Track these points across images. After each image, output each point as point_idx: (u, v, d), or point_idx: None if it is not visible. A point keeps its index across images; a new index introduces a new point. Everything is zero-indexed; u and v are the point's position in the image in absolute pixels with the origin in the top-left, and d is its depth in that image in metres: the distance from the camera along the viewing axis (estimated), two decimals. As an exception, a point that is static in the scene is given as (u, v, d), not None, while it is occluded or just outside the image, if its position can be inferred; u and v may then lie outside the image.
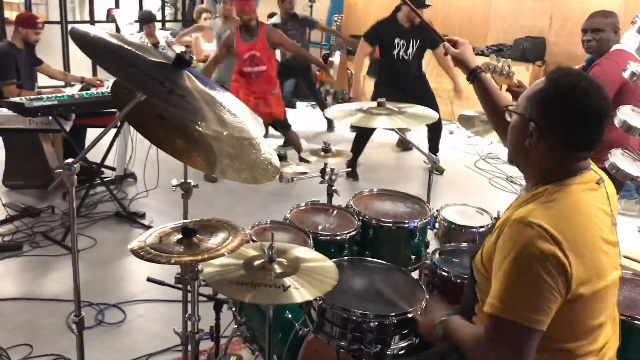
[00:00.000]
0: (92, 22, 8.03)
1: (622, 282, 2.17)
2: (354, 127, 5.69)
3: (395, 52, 5.15)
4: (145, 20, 6.76)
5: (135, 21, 8.59)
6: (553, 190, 1.48)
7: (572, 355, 1.48)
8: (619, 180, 2.63)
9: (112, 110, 4.32)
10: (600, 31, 3.12)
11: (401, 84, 5.19)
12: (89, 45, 1.62)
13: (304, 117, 7.35)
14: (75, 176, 1.74)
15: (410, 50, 5.19)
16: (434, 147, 5.59)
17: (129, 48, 1.72)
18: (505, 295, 1.40)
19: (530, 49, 7.31)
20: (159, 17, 7.52)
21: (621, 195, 4.48)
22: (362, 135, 5.34)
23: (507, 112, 1.59)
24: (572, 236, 1.39)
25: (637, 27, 2.56)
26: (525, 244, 1.38)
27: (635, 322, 1.91)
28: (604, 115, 1.46)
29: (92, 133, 4.78)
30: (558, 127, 1.46)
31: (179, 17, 9.94)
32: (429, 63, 7.84)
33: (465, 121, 3.04)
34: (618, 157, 2.58)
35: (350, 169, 5.27)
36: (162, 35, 6.85)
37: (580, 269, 1.40)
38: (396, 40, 5.12)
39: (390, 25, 5.18)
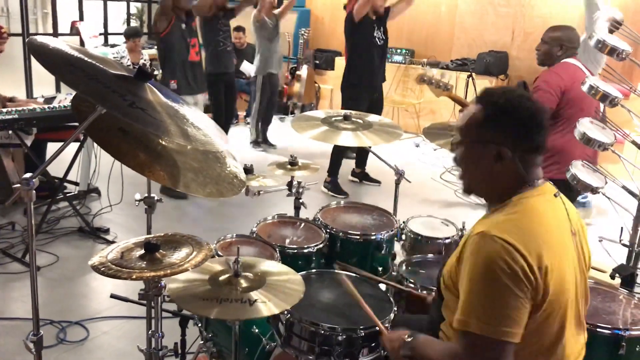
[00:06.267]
0: (56, 34, 7.89)
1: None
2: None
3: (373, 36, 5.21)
4: (130, 34, 6.63)
5: (101, 34, 8.48)
6: (514, 203, 1.51)
7: None
8: (576, 190, 2.70)
9: (75, 124, 4.24)
10: (544, 43, 3.26)
11: (377, 68, 5.29)
12: (47, 57, 1.59)
13: (271, 130, 7.31)
14: (34, 191, 1.70)
15: (382, 38, 5.26)
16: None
17: (90, 60, 1.69)
18: (475, 310, 1.39)
19: (494, 63, 7.45)
20: (124, 30, 7.41)
21: (577, 204, 4.57)
22: (339, 150, 5.38)
23: (455, 145, 1.60)
24: (535, 248, 1.41)
25: (594, 42, 2.64)
26: (489, 257, 1.39)
27: (598, 330, 1.94)
28: (540, 113, 1.53)
29: (53, 147, 4.67)
30: (517, 136, 1.50)
31: (145, 29, 9.84)
32: (394, 76, 7.98)
33: (431, 134, 3.08)
34: (578, 169, 2.64)
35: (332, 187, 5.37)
36: (122, 49, 6.74)
37: (544, 280, 1.41)
38: (375, 33, 5.18)
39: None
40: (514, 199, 1.52)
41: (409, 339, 1.62)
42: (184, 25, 5.04)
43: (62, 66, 1.59)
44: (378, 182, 5.74)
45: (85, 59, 1.69)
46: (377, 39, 5.22)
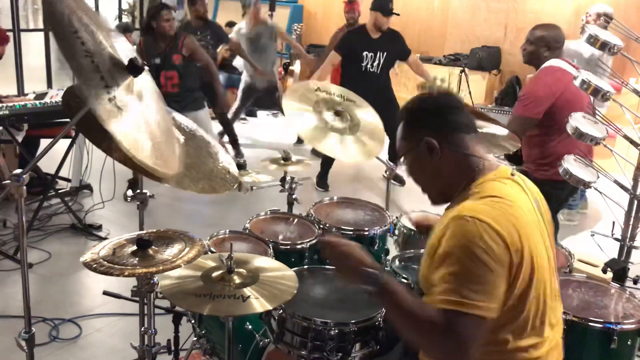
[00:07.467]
0: (46, 30, 7.83)
1: (577, 285, 2.23)
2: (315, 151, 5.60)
3: (362, 64, 5.02)
4: (121, 30, 6.58)
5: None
6: (476, 190, 1.53)
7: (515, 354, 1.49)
8: (573, 186, 2.71)
9: (67, 120, 4.21)
10: (530, 43, 3.23)
11: (364, 96, 5.16)
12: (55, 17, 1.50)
13: (264, 126, 7.33)
14: (25, 187, 1.69)
15: (377, 62, 5.06)
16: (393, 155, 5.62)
17: (93, 29, 1.63)
18: (456, 288, 1.38)
19: (487, 59, 7.47)
20: (115, 25, 7.37)
21: (568, 205, 4.56)
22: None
23: (400, 159, 1.69)
24: (507, 226, 1.42)
25: (585, 37, 2.64)
26: (466, 237, 1.40)
27: (590, 324, 1.95)
28: (443, 97, 1.69)
29: (47, 144, 4.64)
30: (431, 123, 1.61)
31: (137, 25, 9.80)
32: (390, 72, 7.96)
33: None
34: (570, 163, 2.65)
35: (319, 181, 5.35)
36: None
37: (520, 257, 1.42)
38: (364, 53, 5.00)
39: (360, 36, 5.07)
40: (472, 187, 1.55)
41: (381, 273, 1.51)
42: (158, 60, 4.70)
43: (67, 30, 1.50)
44: (403, 182, 5.41)
45: (91, 27, 1.61)
46: (367, 67, 5.04)
